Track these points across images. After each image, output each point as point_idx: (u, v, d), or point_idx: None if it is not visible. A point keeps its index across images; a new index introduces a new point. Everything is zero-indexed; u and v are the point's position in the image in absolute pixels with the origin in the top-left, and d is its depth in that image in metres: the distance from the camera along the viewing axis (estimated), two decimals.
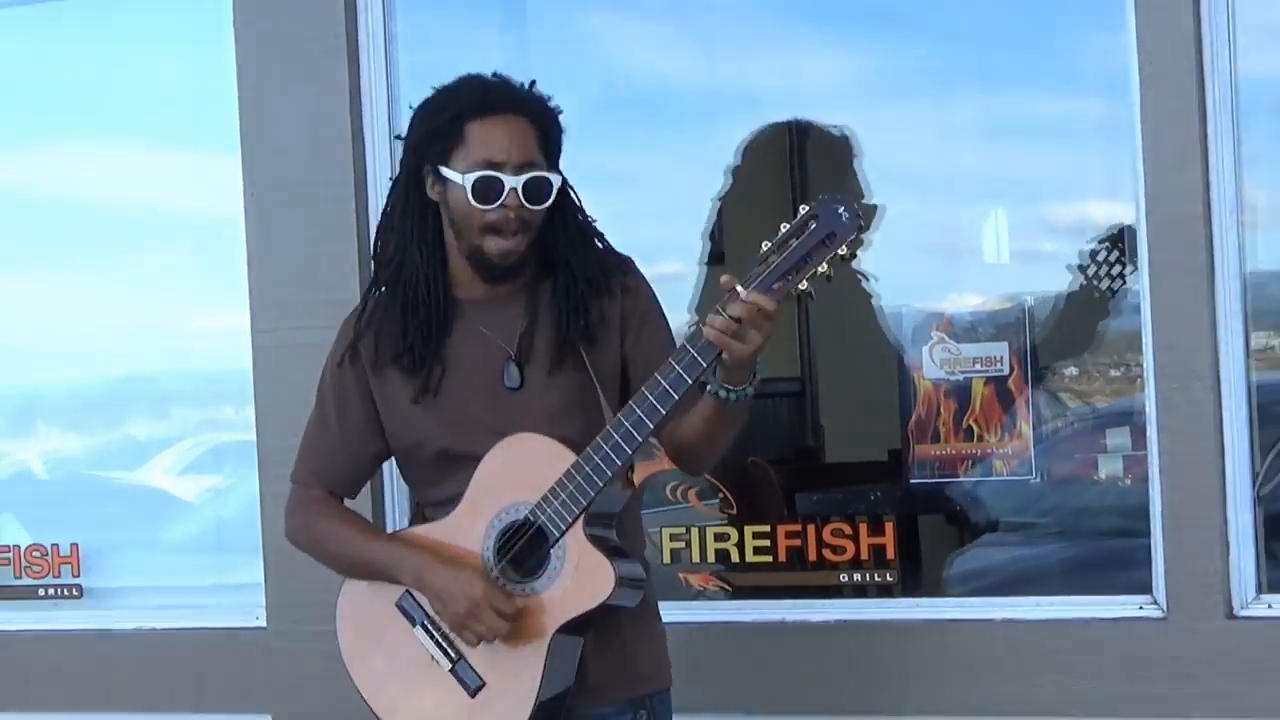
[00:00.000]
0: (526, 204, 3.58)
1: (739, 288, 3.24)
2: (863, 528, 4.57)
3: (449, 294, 3.77)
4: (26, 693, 5.21)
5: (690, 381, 3.38)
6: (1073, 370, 4.56)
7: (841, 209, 3.36)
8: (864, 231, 3.33)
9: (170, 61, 5.20)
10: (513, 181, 3.57)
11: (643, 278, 3.86)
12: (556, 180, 3.68)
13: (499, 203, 3.55)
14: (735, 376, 3.44)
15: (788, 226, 3.35)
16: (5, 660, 5.27)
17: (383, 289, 3.86)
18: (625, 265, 3.88)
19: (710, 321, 3.29)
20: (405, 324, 3.76)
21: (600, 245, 3.86)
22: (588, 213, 3.87)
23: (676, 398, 3.39)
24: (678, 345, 3.43)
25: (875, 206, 4.60)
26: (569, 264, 3.78)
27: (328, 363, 3.92)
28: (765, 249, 3.33)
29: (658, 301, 3.83)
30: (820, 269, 3.33)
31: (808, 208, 3.37)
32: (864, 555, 4.58)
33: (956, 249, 4.65)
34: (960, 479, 4.59)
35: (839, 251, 3.33)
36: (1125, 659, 4.25)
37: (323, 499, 3.90)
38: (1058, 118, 4.56)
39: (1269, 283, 4.25)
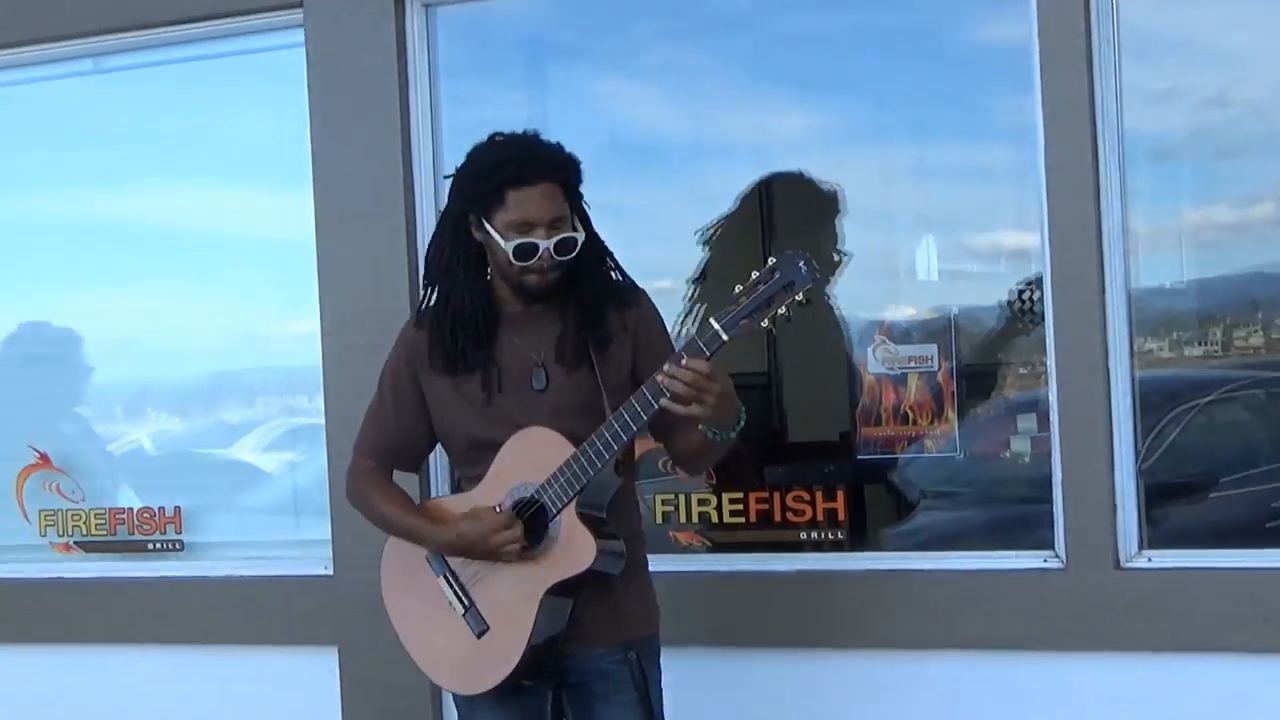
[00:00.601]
0: (557, 257, 3.63)
1: (708, 335, 3.42)
2: (818, 495, 4.58)
3: (492, 308, 3.79)
4: (135, 630, 5.20)
5: (645, 419, 3.50)
6: (990, 367, 4.51)
7: (802, 263, 3.43)
8: (818, 283, 3.56)
9: (255, 114, 5.23)
10: (545, 244, 3.61)
11: (650, 301, 3.91)
12: (581, 236, 3.70)
13: (535, 258, 3.60)
14: (719, 422, 3.55)
15: (757, 274, 3.44)
16: (119, 602, 5.25)
17: (433, 302, 3.88)
18: (636, 291, 3.91)
19: (665, 371, 3.41)
20: (455, 333, 3.77)
21: (616, 275, 3.89)
22: (607, 248, 3.89)
23: (635, 429, 3.52)
24: (645, 383, 3.48)
25: (847, 255, 4.66)
26: (590, 288, 3.79)
27: (389, 359, 3.97)
28: (737, 291, 3.43)
29: (661, 319, 3.87)
30: (780, 311, 3.42)
31: (774, 260, 3.47)
32: (819, 517, 4.58)
33: (895, 269, 4.66)
34: (898, 455, 4.59)
35: (797, 297, 3.42)
36: (1031, 602, 4.24)
37: (374, 470, 3.97)
38: (978, 162, 4.58)
39: (1148, 297, 4.26)
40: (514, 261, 3.62)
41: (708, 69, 4.84)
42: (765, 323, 3.46)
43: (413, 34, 4.85)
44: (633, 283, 3.91)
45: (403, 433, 3.94)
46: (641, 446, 3.96)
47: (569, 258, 3.68)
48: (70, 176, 5.47)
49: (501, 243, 3.63)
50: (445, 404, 3.86)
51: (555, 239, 3.63)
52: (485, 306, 3.81)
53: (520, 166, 3.68)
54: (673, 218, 4.75)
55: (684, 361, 3.38)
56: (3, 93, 5.45)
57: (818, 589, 4.47)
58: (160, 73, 5.29)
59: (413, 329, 3.93)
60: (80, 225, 5.52)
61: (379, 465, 3.99)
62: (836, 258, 4.62)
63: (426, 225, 4.78)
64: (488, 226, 3.66)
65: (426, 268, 3.97)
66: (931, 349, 4.49)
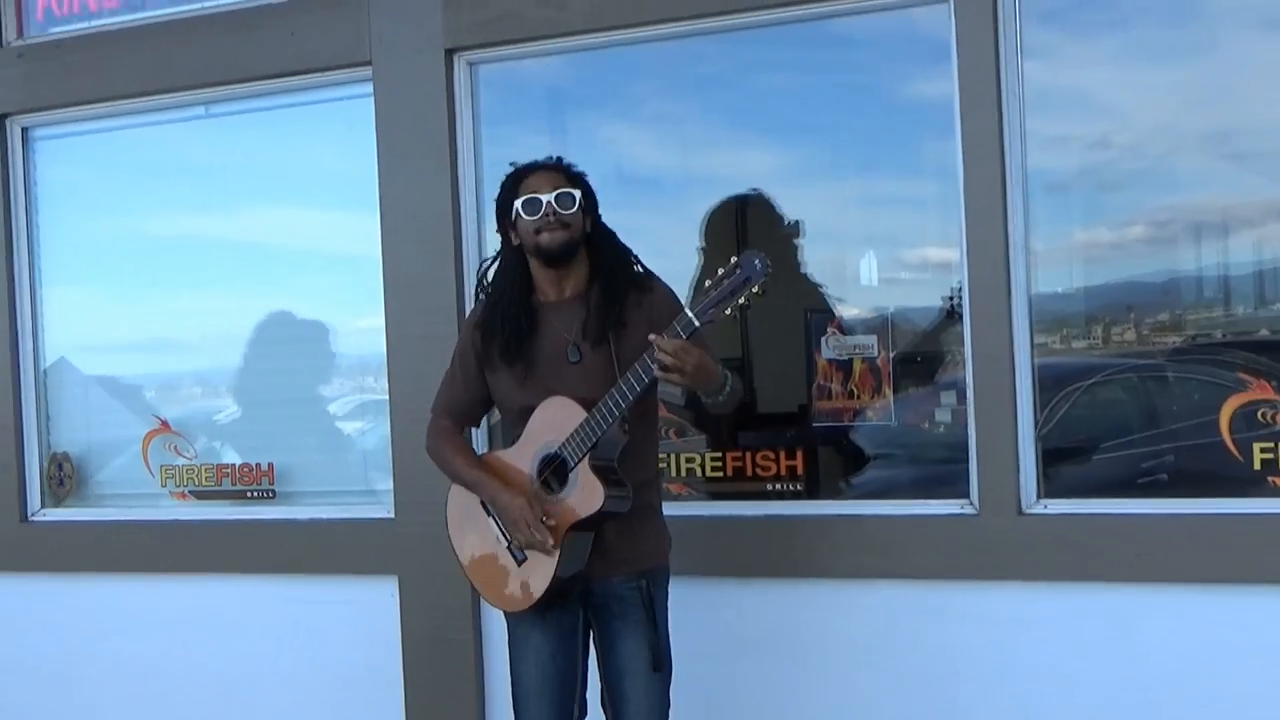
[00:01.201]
0: (559, 209, 3.74)
1: (683, 323, 3.54)
2: (782, 455, 4.59)
3: (531, 303, 3.87)
4: (236, 562, 5.21)
5: (640, 389, 3.59)
6: (919, 354, 4.53)
7: (757, 260, 3.55)
8: (766, 277, 3.49)
9: (333, 151, 5.25)
10: (547, 197, 3.75)
11: (664, 287, 3.99)
12: (577, 193, 3.81)
13: (540, 212, 3.73)
14: (703, 388, 3.75)
15: (722, 270, 3.56)
16: (224, 540, 5.27)
17: (485, 300, 4.04)
18: (651, 279, 4.01)
19: (657, 348, 3.51)
20: (502, 326, 3.87)
21: (635, 264, 3.99)
22: (626, 245, 4.00)
23: (633, 396, 3.60)
24: (640, 359, 3.59)
25: (798, 223, 4.69)
26: (610, 278, 3.88)
27: (458, 343, 4.12)
28: (707, 285, 3.57)
29: (675, 301, 3.90)
30: (741, 301, 3.54)
31: (736, 259, 3.58)
32: (783, 472, 4.59)
33: (844, 277, 4.67)
34: (845, 424, 4.59)
35: (754, 289, 3.53)
36: (951, 541, 4.26)
37: (448, 428, 4.08)
38: (910, 193, 4.58)
39: (1045, 301, 4.25)
40: (524, 215, 3.77)
41: (694, 117, 4.85)
42: (730, 310, 3.56)
43: (459, 87, 4.84)
44: (650, 272, 3.97)
45: (468, 398, 4.05)
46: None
47: (570, 212, 3.79)
48: (185, 202, 5.47)
49: (518, 207, 3.80)
50: (498, 382, 3.95)
51: (555, 194, 3.76)
52: (526, 306, 3.89)
53: (527, 167, 3.91)
54: (665, 235, 4.77)
55: (666, 338, 3.48)
56: (134, 134, 5.45)
57: (781, 530, 4.47)
58: (258, 117, 5.29)
59: (473, 327, 4.00)
60: (193, 241, 5.51)
61: (452, 422, 4.08)
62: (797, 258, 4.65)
63: (469, 241, 4.89)
64: (514, 215, 3.81)
65: (479, 282, 4.14)
66: (872, 339, 4.50)
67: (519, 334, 3.86)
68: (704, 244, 4.76)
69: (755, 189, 4.72)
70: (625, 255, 3.97)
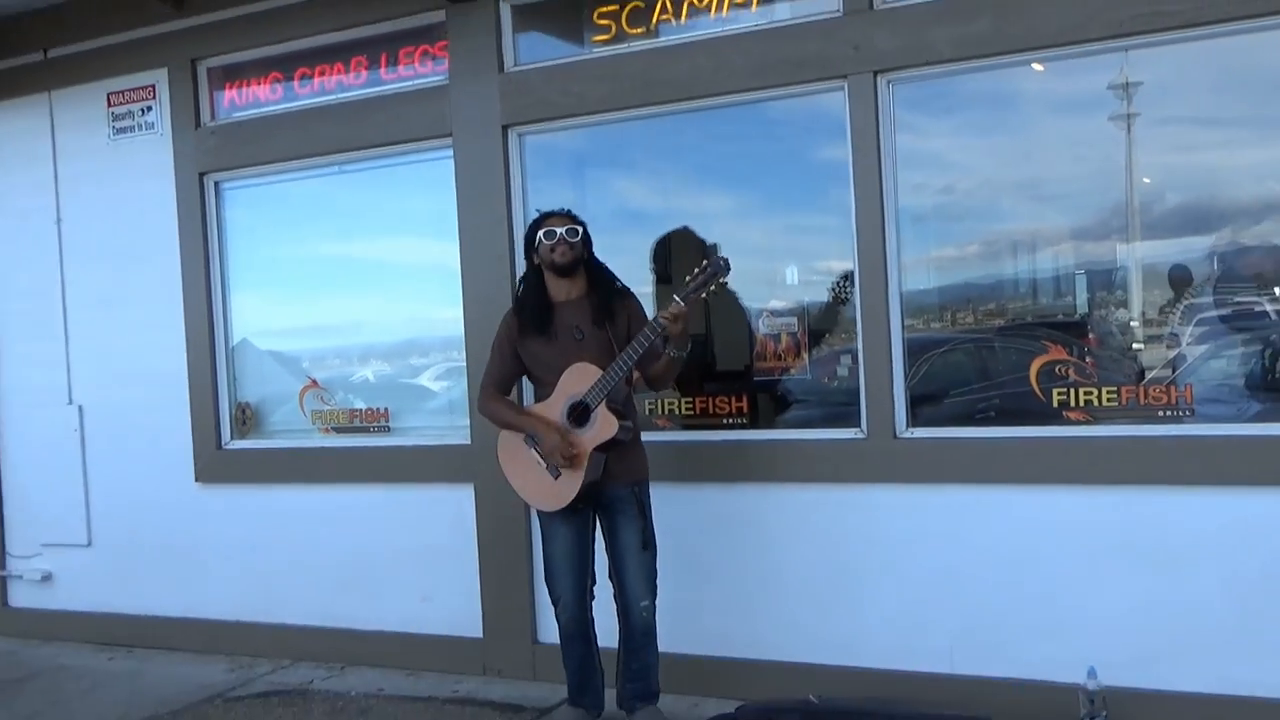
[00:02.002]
0: (568, 238, 3.93)
1: (676, 298, 3.69)
2: (733, 399, 4.59)
3: (548, 301, 3.99)
4: (366, 473, 5.22)
5: (648, 344, 3.76)
6: (826, 331, 4.53)
7: (722, 261, 3.77)
8: (729, 272, 3.74)
9: (426, 196, 5.21)
10: (560, 229, 3.93)
11: (635, 297, 4.13)
12: (580, 230, 3.97)
13: (556, 238, 3.93)
14: (678, 344, 3.83)
15: (698, 269, 3.75)
16: (355, 459, 5.28)
17: (515, 303, 4.16)
18: (626, 291, 4.16)
19: (661, 315, 3.72)
20: (528, 315, 4.02)
21: (616, 281, 4.12)
22: (608, 268, 4.11)
23: (641, 351, 3.78)
24: (647, 324, 3.78)
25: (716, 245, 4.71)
26: (602, 288, 4.06)
27: (498, 332, 4.15)
28: (687, 279, 3.76)
29: (641, 306, 4.08)
30: (711, 289, 3.77)
31: (706, 260, 3.79)
32: (733, 411, 4.59)
33: (774, 280, 4.63)
34: (776, 378, 4.58)
35: (720, 280, 3.77)
36: (849, 456, 4.27)
37: (495, 393, 4.15)
38: (820, 224, 4.54)
39: (911, 296, 4.22)
40: (545, 242, 3.94)
41: (671, 172, 4.83)
42: (704, 295, 3.78)
43: (512, 152, 4.84)
44: (625, 287, 4.13)
45: (506, 372, 4.14)
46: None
47: (576, 240, 3.95)
48: (325, 232, 5.48)
49: (541, 237, 3.96)
50: (530, 353, 4.05)
51: (565, 228, 3.94)
52: (544, 304, 4.00)
53: (546, 214, 4.06)
54: (647, 254, 4.78)
55: (671, 308, 3.69)
56: (290, 185, 5.42)
57: (731, 450, 4.48)
58: (375, 173, 5.27)
59: (512, 315, 4.12)
60: (331, 259, 5.51)
61: (496, 390, 4.13)
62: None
63: (519, 259, 4.73)
64: (537, 242, 3.98)
65: (517, 284, 4.28)
66: (794, 320, 4.50)
67: (540, 323, 3.98)
68: (653, 264, 4.80)
69: (686, 225, 4.75)
70: (609, 274, 4.11)
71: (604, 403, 3.79)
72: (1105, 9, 3.80)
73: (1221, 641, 3.74)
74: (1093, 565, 3.90)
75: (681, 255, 4.68)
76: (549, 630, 4.49)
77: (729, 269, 3.74)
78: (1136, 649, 3.83)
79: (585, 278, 4.01)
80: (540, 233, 3.95)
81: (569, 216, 4.00)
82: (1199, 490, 3.75)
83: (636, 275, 4.52)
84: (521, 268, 4.75)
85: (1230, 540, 3.72)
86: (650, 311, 4.10)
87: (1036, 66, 4.07)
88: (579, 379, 3.84)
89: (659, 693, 4.09)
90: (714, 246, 4.65)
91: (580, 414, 3.83)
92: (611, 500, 3.93)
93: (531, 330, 4.00)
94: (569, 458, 3.80)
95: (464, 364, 4.94)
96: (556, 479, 3.86)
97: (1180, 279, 4.01)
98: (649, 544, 3.95)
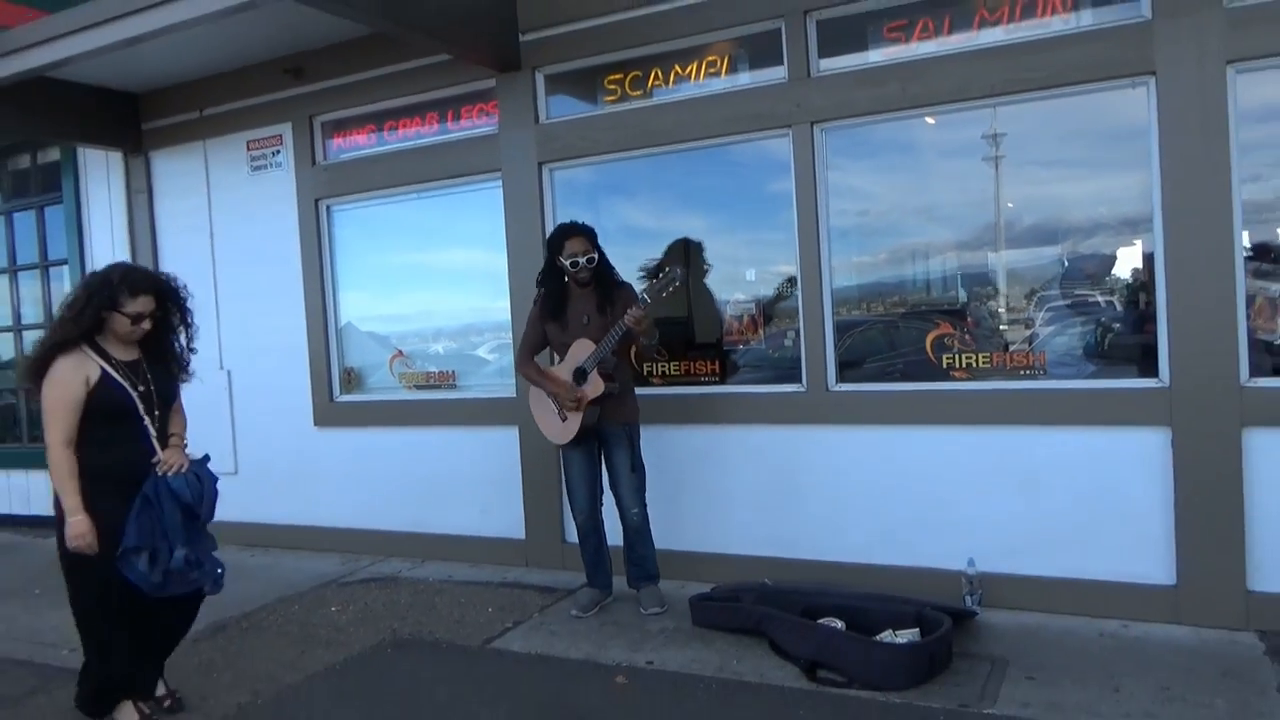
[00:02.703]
0: (585, 265, 3.90)
1: (644, 296, 3.74)
2: (708, 362, 4.55)
3: (564, 297, 3.97)
4: (440, 419, 5.15)
5: (623, 332, 3.77)
6: (776, 313, 4.46)
7: (679, 269, 3.83)
8: (682, 279, 3.81)
9: (481, 218, 5.05)
10: (582, 260, 3.89)
11: (630, 288, 4.02)
12: (595, 256, 3.92)
13: (578, 268, 3.90)
14: (647, 335, 3.90)
15: (660, 275, 3.82)
16: (429, 409, 5.21)
17: (542, 291, 4.06)
18: (624, 284, 4.08)
19: (627, 316, 3.72)
20: (548, 307, 4.00)
21: (616, 278, 4.05)
22: (612, 265, 4.06)
23: (619, 336, 3.79)
24: (620, 319, 3.76)
25: (709, 266, 4.59)
26: (607, 283, 3.97)
27: (529, 315, 4.13)
28: (652, 281, 3.82)
29: (635, 295, 3.91)
30: (669, 290, 3.80)
31: (666, 269, 3.85)
32: (708, 372, 4.55)
33: (738, 279, 4.55)
34: (739, 348, 4.53)
35: (675, 285, 3.80)
36: (792, 405, 4.23)
37: (527, 358, 4.14)
38: (770, 238, 4.44)
39: (839, 291, 4.18)
40: (567, 264, 3.91)
41: (663, 199, 4.74)
42: (664, 294, 3.80)
43: (546, 184, 4.80)
44: (624, 281, 4.05)
45: (534, 343, 4.10)
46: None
47: (593, 266, 3.91)
48: (407, 244, 5.39)
49: (566, 264, 3.92)
50: (550, 332, 4.03)
51: (584, 257, 3.88)
52: (561, 295, 3.99)
53: (569, 228, 3.96)
54: (645, 258, 4.62)
55: (634, 310, 3.66)
56: (380, 208, 5.34)
57: (705, 400, 4.45)
58: (444, 199, 5.17)
59: (537, 303, 4.07)
60: (411, 264, 5.40)
61: (528, 355, 4.09)
62: (705, 267, 4.57)
63: None
64: (559, 258, 3.92)
65: (537, 279, 4.12)
66: (753, 306, 4.45)
67: (556, 311, 3.98)
68: (663, 259, 4.65)
69: (686, 236, 4.62)
70: (612, 273, 4.04)
71: (596, 369, 3.87)
72: (981, 75, 3.83)
73: (1067, 539, 3.77)
74: (973, 483, 3.91)
75: (698, 254, 4.63)
76: (572, 533, 4.44)
77: (682, 277, 3.84)
78: (1005, 545, 3.85)
79: (594, 277, 3.98)
80: (564, 259, 3.89)
81: (587, 239, 3.95)
82: (1051, 429, 3.78)
83: (633, 272, 4.47)
84: None
85: (1075, 464, 3.74)
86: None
87: (929, 120, 4.04)
88: (581, 351, 3.92)
89: (658, 576, 4.11)
90: (699, 245, 4.57)
91: (580, 376, 3.91)
92: (609, 437, 3.98)
93: (550, 316, 4.03)
94: (573, 404, 3.87)
95: (510, 341, 4.90)
96: (564, 422, 3.95)
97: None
98: (637, 468, 3.97)
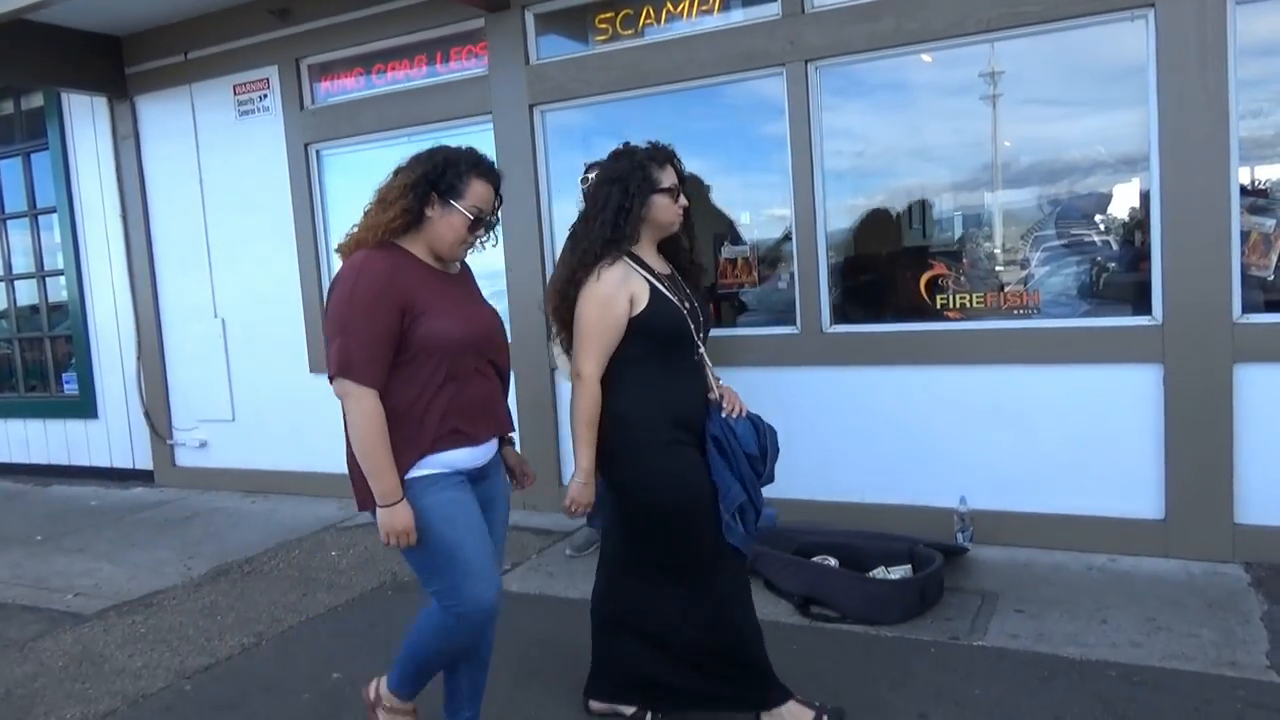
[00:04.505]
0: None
1: None
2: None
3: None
4: None
5: None
6: (773, 259, 4.43)
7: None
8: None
9: None
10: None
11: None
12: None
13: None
14: None
15: None
16: None
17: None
18: None
19: None
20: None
21: None
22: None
23: None
24: None
25: (709, 187, 4.49)
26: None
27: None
28: None
29: None
30: None
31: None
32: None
33: (734, 221, 4.53)
34: (735, 291, 4.47)
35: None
36: (790, 347, 4.22)
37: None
38: (765, 180, 4.38)
39: (833, 234, 4.15)
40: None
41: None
42: None
43: (538, 126, 4.73)
44: None
45: None
46: None
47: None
48: None
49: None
50: None
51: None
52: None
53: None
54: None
55: None
56: (371, 152, 5.20)
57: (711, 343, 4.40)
58: (433, 142, 5.00)
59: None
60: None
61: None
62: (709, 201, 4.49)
63: (545, 207, 4.72)
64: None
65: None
66: (746, 248, 4.41)
67: None
68: None
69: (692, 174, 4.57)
70: None
71: None
72: (978, 8, 3.76)
73: (1058, 476, 3.80)
74: (966, 422, 3.93)
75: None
76: (569, 474, 4.44)
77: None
78: (997, 482, 3.89)
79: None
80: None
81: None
82: (1044, 367, 3.78)
83: None
84: (545, 216, 4.70)
85: (1067, 402, 3.76)
86: None
87: (926, 58, 3.98)
88: None
89: None
90: (709, 188, 4.48)
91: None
92: None
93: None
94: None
95: (504, 287, 4.83)
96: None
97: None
98: None
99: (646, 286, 2.28)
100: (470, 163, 2.20)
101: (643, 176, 2.30)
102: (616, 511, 2.44)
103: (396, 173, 2.24)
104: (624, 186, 2.30)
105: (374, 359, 2.05)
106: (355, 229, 2.20)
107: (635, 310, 2.26)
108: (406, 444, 2.09)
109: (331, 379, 2.09)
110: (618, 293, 2.25)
